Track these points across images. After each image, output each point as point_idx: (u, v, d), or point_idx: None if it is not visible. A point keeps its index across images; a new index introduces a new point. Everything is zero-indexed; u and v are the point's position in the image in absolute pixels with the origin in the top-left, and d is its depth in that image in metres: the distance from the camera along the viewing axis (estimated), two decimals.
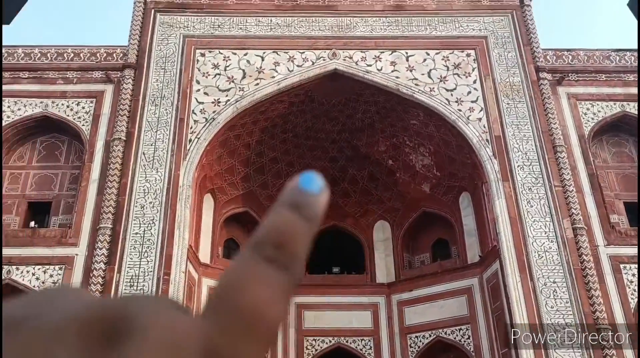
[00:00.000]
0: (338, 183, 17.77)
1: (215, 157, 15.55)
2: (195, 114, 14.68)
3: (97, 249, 12.57)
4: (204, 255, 15.20)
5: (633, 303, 12.55)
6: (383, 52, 15.61)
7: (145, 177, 13.70)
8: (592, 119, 14.90)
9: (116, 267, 12.47)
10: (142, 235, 12.92)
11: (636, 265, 12.85)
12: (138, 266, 12.55)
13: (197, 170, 14.36)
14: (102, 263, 12.41)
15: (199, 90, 15.01)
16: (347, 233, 18.07)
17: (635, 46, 15.63)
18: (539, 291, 12.42)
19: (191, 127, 14.49)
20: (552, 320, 12.10)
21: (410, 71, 15.30)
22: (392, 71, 15.29)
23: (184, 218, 13.28)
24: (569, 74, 15.38)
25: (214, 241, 15.72)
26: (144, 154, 14.00)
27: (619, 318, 12.30)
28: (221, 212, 16.32)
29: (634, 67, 15.49)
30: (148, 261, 12.61)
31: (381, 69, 15.32)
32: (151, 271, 12.49)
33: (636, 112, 14.83)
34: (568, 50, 15.85)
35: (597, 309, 12.15)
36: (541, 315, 12.17)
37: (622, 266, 12.92)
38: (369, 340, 16.02)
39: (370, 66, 15.35)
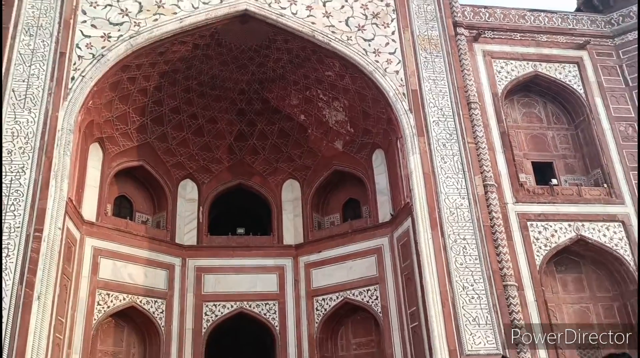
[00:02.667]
0: (246, 138, 16.53)
1: (104, 101, 13.62)
2: (79, 48, 12.66)
3: None
4: (89, 212, 13.39)
5: (539, 260, 12.60)
6: None
7: (15, 118, 11.61)
8: (506, 77, 14.72)
9: None
10: (8, 185, 10.94)
11: (542, 223, 12.92)
12: (1, 221, 10.60)
13: (82, 113, 12.44)
14: None
15: (85, 21, 12.96)
16: (253, 192, 16.92)
17: (549, 8, 15.65)
18: (449, 248, 12.08)
19: (74, 64, 12.49)
20: (461, 277, 11.82)
21: (327, 17, 14.21)
22: (308, 16, 14.11)
23: (63, 166, 11.42)
24: (485, 31, 15.06)
25: (102, 197, 13.90)
26: (13, 91, 11.85)
27: (525, 275, 12.32)
28: (111, 165, 14.45)
29: (548, 27, 15.50)
30: (15, 216, 10.71)
31: (296, 13, 14.08)
32: (18, 227, 10.61)
33: (548, 73, 14.86)
34: (485, 7, 15.52)
35: (505, 266, 12.02)
36: (450, 271, 11.85)
37: (529, 223, 12.92)
38: (274, 304, 15.15)
39: (284, 9, 14.05)
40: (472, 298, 11.69)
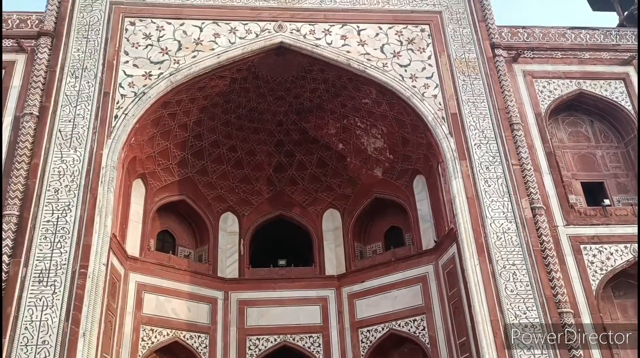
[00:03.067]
0: (285, 169, 16.53)
1: (146, 138, 13.93)
2: (122, 87, 13.05)
3: (1, 240, 10.74)
4: (133, 248, 13.55)
5: (594, 284, 11.88)
6: (333, 25, 14.46)
7: (61, 157, 11.97)
8: (549, 97, 14.27)
9: (22, 260, 10.70)
10: (54, 223, 11.20)
11: (596, 245, 12.25)
12: (49, 258, 10.82)
13: (124, 150, 12.73)
14: (5, 255, 10.61)
15: (127, 62, 13.40)
16: (294, 223, 16.80)
17: (589, 24, 15.24)
18: (498, 275, 11.56)
19: (117, 102, 12.85)
20: (512, 305, 11.25)
21: (362, 45, 14.23)
22: (343, 45, 14.17)
23: (107, 203, 11.63)
24: (525, 51, 14.72)
25: (145, 232, 14.07)
26: (60, 131, 12.26)
27: (581, 301, 11.61)
28: (153, 200, 14.67)
29: (590, 44, 15.03)
30: (61, 253, 10.90)
31: (331, 43, 14.17)
32: (64, 264, 10.78)
33: (593, 90, 14.35)
34: (523, 27, 15.21)
35: (559, 292, 11.40)
36: (501, 299, 11.30)
37: (582, 246, 12.25)
38: (318, 337, 14.80)
39: (319, 39, 14.18)
40: (526, 327, 11.08)
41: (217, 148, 15.63)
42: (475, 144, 13.10)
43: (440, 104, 13.63)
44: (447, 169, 12.89)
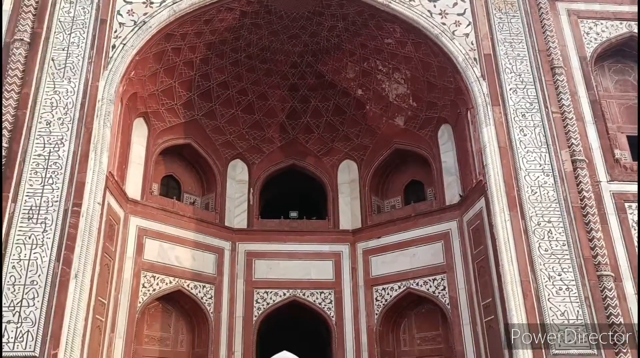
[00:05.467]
0: (299, 116, 15.36)
1: (148, 73, 12.80)
2: (120, 15, 11.89)
3: None
4: (134, 191, 12.63)
5: None
6: None
7: (54, 88, 10.93)
8: (595, 39, 12.77)
9: (11, 195, 9.81)
10: (46, 158, 10.26)
11: None
12: (40, 194, 9.93)
13: (123, 84, 11.65)
14: None
15: None
16: (307, 173, 15.73)
17: None
18: (532, 232, 10.43)
19: (115, 31, 11.71)
20: (546, 265, 10.16)
21: None
22: None
23: (102, 138, 10.63)
24: None
25: (147, 175, 13.11)
26: (53, 60, 11.19)
27: (623, 264, 10.44)
28: (157, 142, 13.65)
29: None
30: (53, 189, 10.00)
31: None
32: (56, 201, 9.89)
33: None
34: None
35: (599, 253, 10.25)
36: (533, 258, 10.20)
37: (627, 205, 11.00)
38: (330, 293, 13.93)
39: None
40: (560, 289, 10.00)
41: (226, 89, 14.47)
42: (510, 89, 11.77)
43: (472, 44, 12.25)
44: (478, 116, 11.62)
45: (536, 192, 10.80)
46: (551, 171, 11.00)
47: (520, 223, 10.51)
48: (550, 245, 10.35)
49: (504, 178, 10.89)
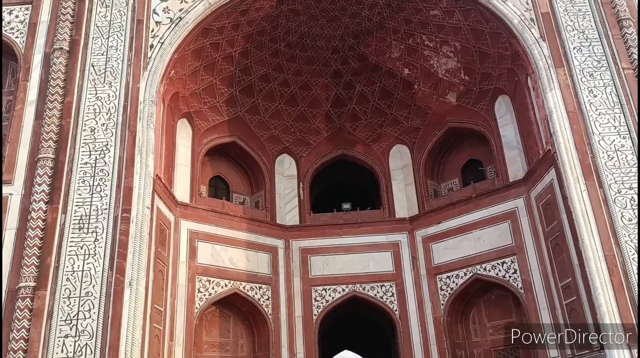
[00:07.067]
0: (344, 103, 14.76)
1: (188, 71, 12.52)
2: (156, 14, 11.64)
3: (36, 185, 9.77)
4: (183, 194, 12.36)
5: None
6: None
7: (96, 94, 10.77)
8: None
9: (60, 206, 9.66)
10: (93, 165, 10.08)
11: None
12: (89, 203, 9.74)
13: (164, 84, 11.39)
14: (42, 201, 9.62)
15: None
16: (357, 162, 15.10)
17: None
18: (612, 201, 9.42)
19: (152, 31, 11.47)
20: (631, 237, 9.12)
21: None
22: None
23: (147, 141, 10.37)
24: None
25: (195, 177, 12.83)
26: (92, 66, 11.05)
27: None
28: (202, 142, 13.38)
29: None
30: (101, 197, 9.79)
31: None
32: (105, 209, 9.67)
33: None
34: None
35: None
36: (616, 230, 9.19)
37: None
38: (391, 286, 13.25)
39: None
40: None
41: (267, 82, 14.04)
42: (574, 48, 10.76)
43: (527, 4, 11.31)
44: (540, 80, 10.66)
45: (613, 157, 9.77)
46: (628, 133, 9.94)
47: (598, 192, 9.52)
48: (634, 213, 9.31)
49: (575, 144, 9.92)
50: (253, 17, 12.77)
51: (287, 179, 14.66)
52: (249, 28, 12.93)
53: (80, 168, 10.07)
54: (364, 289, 13.27)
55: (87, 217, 9.62)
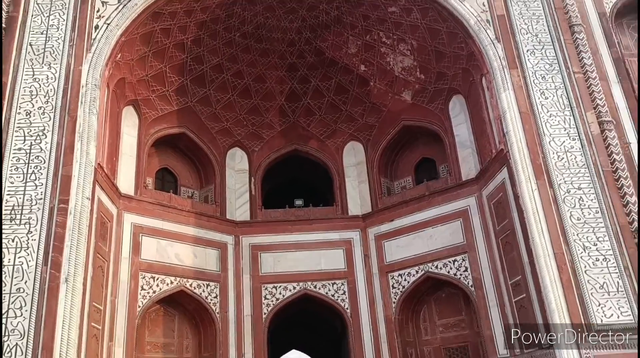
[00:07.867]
0: (299, 97, 14.47)
1: (136, 56, 11.88)
2: None
3: None
4: (127, 186, 11.70)
5: None
6: None
7: (33, 75, 10.01)
8: None
9: None
10: (27, 151, 9.34)
11: None
12: (22, 192, 9.01)
13: (109, 67, 10.73)
14: None
15: None
16: (310, 158, 14.87)
17: None
18: (561, 201, 9.59)
19: (98, 11, 10.81)
20: (580, 235, 9.31)
21: None
22: None
23: (88, 127, 9.71)
24: None
25: (140, 169, 12.19)
26: (30, 45, 10.27)
27: None
28: (149, 132, 12.74)
29: None
30: (36, 186, 9.08)
31: None
32: (40, 199, 8.97)
33: None
34: None
35: (635, 219, 9.42)
36: (565, 229, 9.35)
37: None
38: (342, 284, 13.08)
39: None
40: (597, 260, 9.16)
41: (220, 73, 13.56)
42: (527, 50, 10.91)
43: (483, 6, 11.39)
44: (495, 80, 10.75)
45: (563, 158, 9.95)
46: (577, 134, 10.16)
47: (548, 191, 9.67)
48: (583, 213, 9.51)
49: (527, 144, 10.05)
50: (207, 4, 12.28)
51: (238, 174, 14.23)
52: (202, 15, 12.42)
53: (14, 154, 9.31)
54: (315, 287, 13.02)
55: (20, 207, 8.90)
